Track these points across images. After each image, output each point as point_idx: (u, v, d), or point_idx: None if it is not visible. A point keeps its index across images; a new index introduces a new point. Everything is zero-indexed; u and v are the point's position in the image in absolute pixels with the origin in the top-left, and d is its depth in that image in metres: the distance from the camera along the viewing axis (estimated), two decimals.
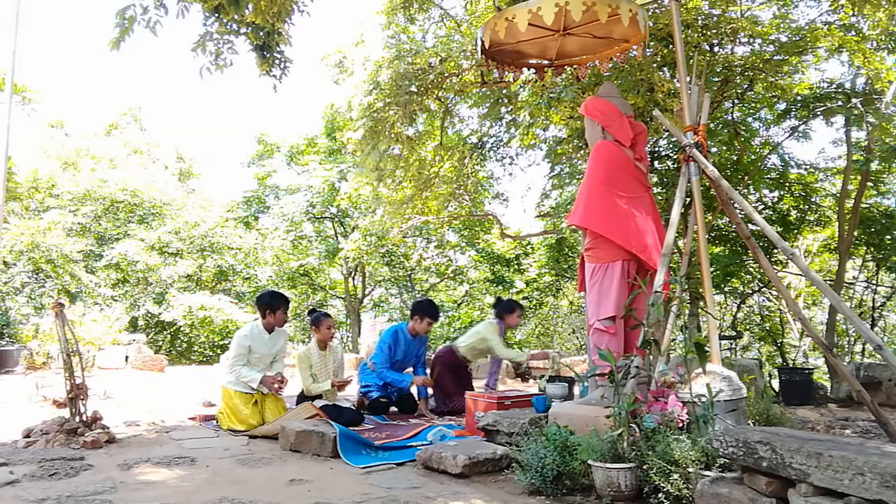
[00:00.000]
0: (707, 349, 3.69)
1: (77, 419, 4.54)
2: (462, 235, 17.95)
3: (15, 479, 3.48)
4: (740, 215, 4.34)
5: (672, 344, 4.04)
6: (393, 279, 19.91)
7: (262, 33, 5.37)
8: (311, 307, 6.27)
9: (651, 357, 3.66)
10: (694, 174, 3.88)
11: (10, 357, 10.25)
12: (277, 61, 5.62)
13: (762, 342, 17.17)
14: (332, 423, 4.45)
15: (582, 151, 11.04)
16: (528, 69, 4.93)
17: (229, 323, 15.08)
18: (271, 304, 5.32)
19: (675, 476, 2.93)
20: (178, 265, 15.33)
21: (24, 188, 14.83)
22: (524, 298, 19.88)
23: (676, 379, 3.64)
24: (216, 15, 5.23)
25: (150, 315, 15.36)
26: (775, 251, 12.27)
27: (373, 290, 21.34)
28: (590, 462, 3.22)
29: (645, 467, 3.04)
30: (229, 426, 5.06)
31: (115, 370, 10.90)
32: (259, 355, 5.30)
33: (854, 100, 9.51)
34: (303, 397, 5.50)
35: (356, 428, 4.95)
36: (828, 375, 10.40)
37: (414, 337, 6.41)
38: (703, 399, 3.26)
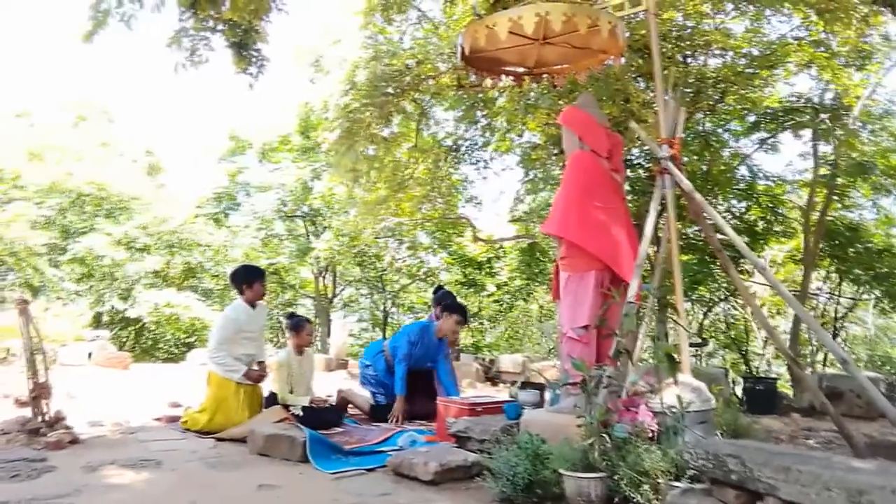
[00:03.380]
0: (677, 360, 3.74)
1: (39, 419, 4.44)
2: (434, 237, 17.94)
3: None
4: (711, 224, 4.39)
5: (642, 352, 4.07)
6: (364, 279, 19.85)
7: (239, 31, 5.32)
8: (290, 312, 6.09)
9: (622, 367, 3.70)
10: (668, 186, 3.93)
11: None
12: (254, 59, 5.58)
13: (727, 349, 17.46)
14: (301, 427, 4.41)
15: (555, 157, 11.14)
16: (507, 76, 4.94)
17: (196, 321, 14.88)
18: (247, 279, 5.26)
19: (646, 487, 2.95)
20: (145, 261, 15.07)
21: None
22: (495, 301, 19.96)
23: (647, 388, 3.67)
24: (192, 10, 5.16)
25: (115, 311, 15.09)
26: (742, 261, 12.49)
27: (343, 289, 21.25)
28: (561, 471, 3.24)
29: (616, 477, 3.06)
30: (206, 425, 4.93)
31: (77, 367, 10.68)
32: (249, 333, 5.24)
33: (822, 115, 9.72)
34: (273, 402, 5.40)
35: (327, 431, 4.91)
36: (791, 384, 10.59)
37: (439, 340, 6.20)
38: (674, 410, 3.29)
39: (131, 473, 3.74)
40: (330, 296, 19.52)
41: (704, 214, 3.91)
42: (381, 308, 20.80)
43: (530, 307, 21.40)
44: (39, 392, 4.46)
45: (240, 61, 5.44)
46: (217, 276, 17.66)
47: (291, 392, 5.36)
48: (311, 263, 18.39)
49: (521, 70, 4.91)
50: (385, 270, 18.86)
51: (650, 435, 3.36)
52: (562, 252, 4.15)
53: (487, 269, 18.87)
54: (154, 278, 15.69)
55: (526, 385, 4.68)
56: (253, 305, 5.32)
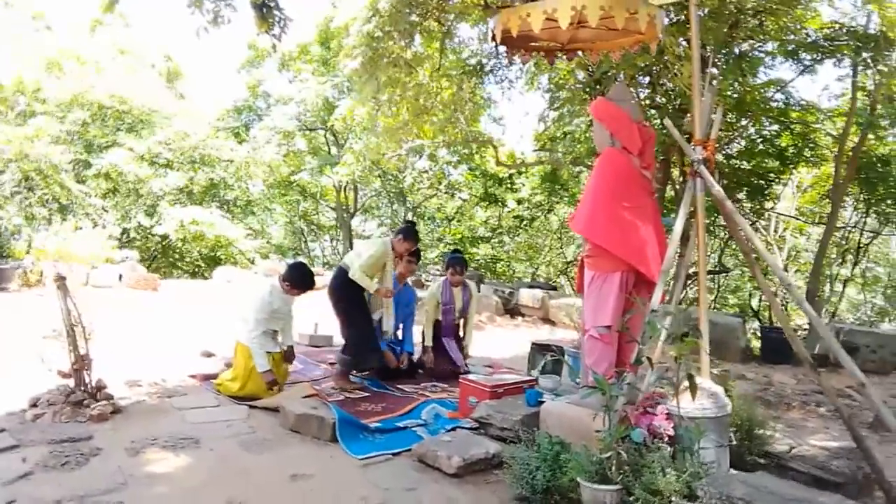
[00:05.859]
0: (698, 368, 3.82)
1: (82, 390, 4.67)
2: (456, 152, 17.77)
3: (28, 470, 3.63)
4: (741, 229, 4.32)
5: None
6: (385, 192, 19.88)
7: None
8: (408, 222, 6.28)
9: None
10: (699, 190, 3.87)
11: (4, 274, 10.28)
12: (277, 19, 5.42)
13: (746, 267, 17.50)
14: (330, 405, 4.61)
15: (582, 84, 10.85)
16: (539, 53, 4.78)
17: (221, 238, 15.11)
18: (295, 283, 5.35)
19: None
20: (168, 177, 15.15)
21: (9, 92, 14.40)
22: (515, 217, 19.99)
23: (664, 387, 3.77)
24: None
25: (141, 227, 15.33)
26: (763, 199, 12.44)
27: (366, 198, 21.30)
28: (579, 480, 3.40)
29: (631, 499, 3.21)
30: (238, 392, 5.17)
31: (108, 289, 11.02)
32: (280, 313, 5.41)
33: (865, 54, 9.32)
34: (343, 276, 5.59)
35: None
36: (806, 332, 10.65)
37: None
38: (691, 427, 3.40)
39: (172, 457, 3.97)
40: (351, 210, 19.60)
41: (736, 224, 3.88)
42: (402, 218, 20.92)
43: (550, 220, 21.42)
44: (81, 364, 4.67)
45: (263, 23, 5.30)
46: (241, 190, 17.72)
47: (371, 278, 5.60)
48: (331, 176, 18.42)
49: (553, 46, 4.74)
50: (406, 184, 18.86)
51: (666, 438, 3.50)
52: (587, 250, 4.16)
53: (508, 185, 18.79)
54: (178, 194, 15.82)
55: (545, 368, 4.82)
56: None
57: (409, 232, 5.90)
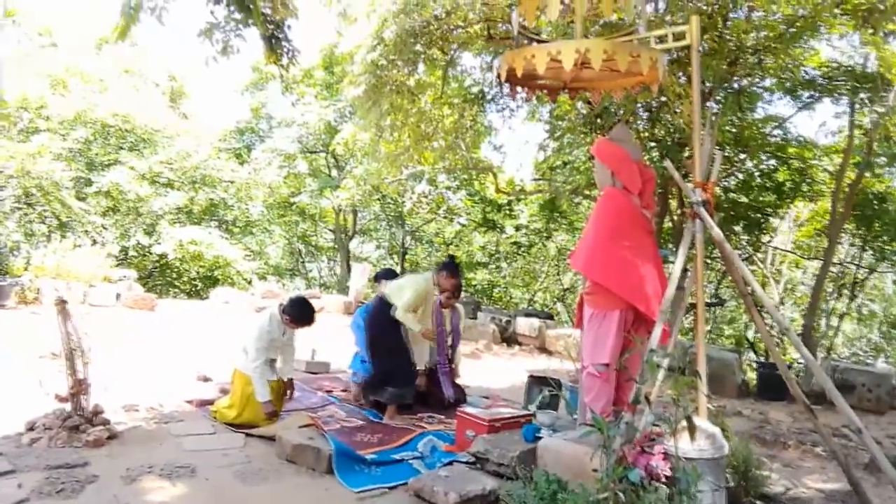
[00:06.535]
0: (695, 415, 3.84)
1: (79, 414, 4.66)
2: (456, 177, 17.87)
3: (24, 497, 3.62)
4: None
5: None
6: (384, 215, 19.91)
7: (270, 25, 5.22)
8: (451, 255, 6.33)
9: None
10: (698, 230, 3.92)
11: (0, 291, 10.26)
12: (286, 50, 5.50)
13: (741, 300, 17.54)
14: (326, 436, 4.61)
15: (583, 116, 10.95)
16: (542, 90, 4.86)
17: (219, 258, 15.12)
18: (295, 316, 5.34)
19: None
20: (169, 196, 15.20)
21: (12, 108, 14.47)
22: (513, 243, 20.05)
23: (661, 424, 3.79)
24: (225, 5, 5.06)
25: (140, 246, 15.34)
26: (759, 232, 12.51)
27: (364, 223, 21.35)
28: None
29: None
30: (235, 419, 5.15)
31: (106, 308, 11.00)
32: (279, 342, 5.41)
33: (862, 94, 9.46)
34: (383, 310, 5.61)
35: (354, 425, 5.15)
36: (802, 370, 10.66)
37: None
38: (688, 469, 3.41)
39: (168, 486, 3.96)
40: (350, 233, 19.63)
41: (734, 264, 3.92)
42: (400, 241, 20.95)
43: (548, 247, 21.47)
44: (79, 389, 4.67)
45: (271, 55, 5.37)
46: (240, 210, 17.77)
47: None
48: (330, 198, 18.49)
49: (556, 84, 4.81)
50: (405, 209, 18.93)
51: (663, 479, 3.50)
52: (587, 287, 4.20)
53: (507, 211, 18.87)
54: (178, 214, 15.86)
55: (543, 402, 4.83)
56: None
57: (454, 268, 5.92)
